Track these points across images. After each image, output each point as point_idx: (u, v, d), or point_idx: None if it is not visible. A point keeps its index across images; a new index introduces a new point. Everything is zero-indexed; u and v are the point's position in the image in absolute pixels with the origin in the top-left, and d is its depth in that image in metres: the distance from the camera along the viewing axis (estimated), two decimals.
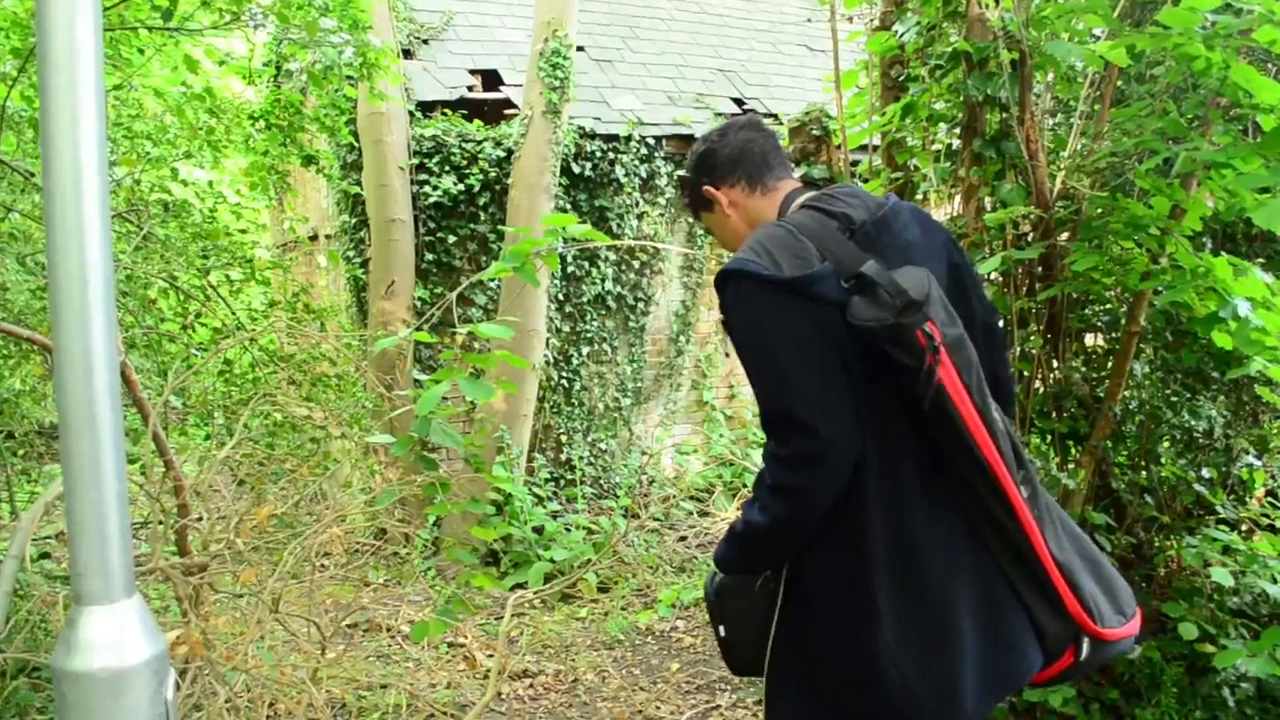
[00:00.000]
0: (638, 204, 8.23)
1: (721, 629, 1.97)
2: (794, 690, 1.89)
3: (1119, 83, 3.44)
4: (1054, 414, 3.37)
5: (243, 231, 4.60)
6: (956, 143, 3.41)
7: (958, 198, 3.41)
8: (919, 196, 3.66)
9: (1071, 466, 3.33)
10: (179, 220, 3.78)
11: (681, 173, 2.23)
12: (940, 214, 3.59)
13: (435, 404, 2.63)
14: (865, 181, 3.86)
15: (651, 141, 8.21)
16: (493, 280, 7.57)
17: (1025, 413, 3.32)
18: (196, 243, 3.75)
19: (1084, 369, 3.43)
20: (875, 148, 3.91)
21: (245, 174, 4.40)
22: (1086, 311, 3.60)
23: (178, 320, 3.88)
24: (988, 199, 3.27)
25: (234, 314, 4.17)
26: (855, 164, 3.95)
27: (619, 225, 8.11)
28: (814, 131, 3.50)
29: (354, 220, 7.63)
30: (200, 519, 3.13)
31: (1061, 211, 3.19)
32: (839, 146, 3.66)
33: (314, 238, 9.30)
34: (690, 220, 8.57)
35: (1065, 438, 3.42)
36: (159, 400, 2.90)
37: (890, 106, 3.51)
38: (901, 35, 3.38)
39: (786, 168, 2.08)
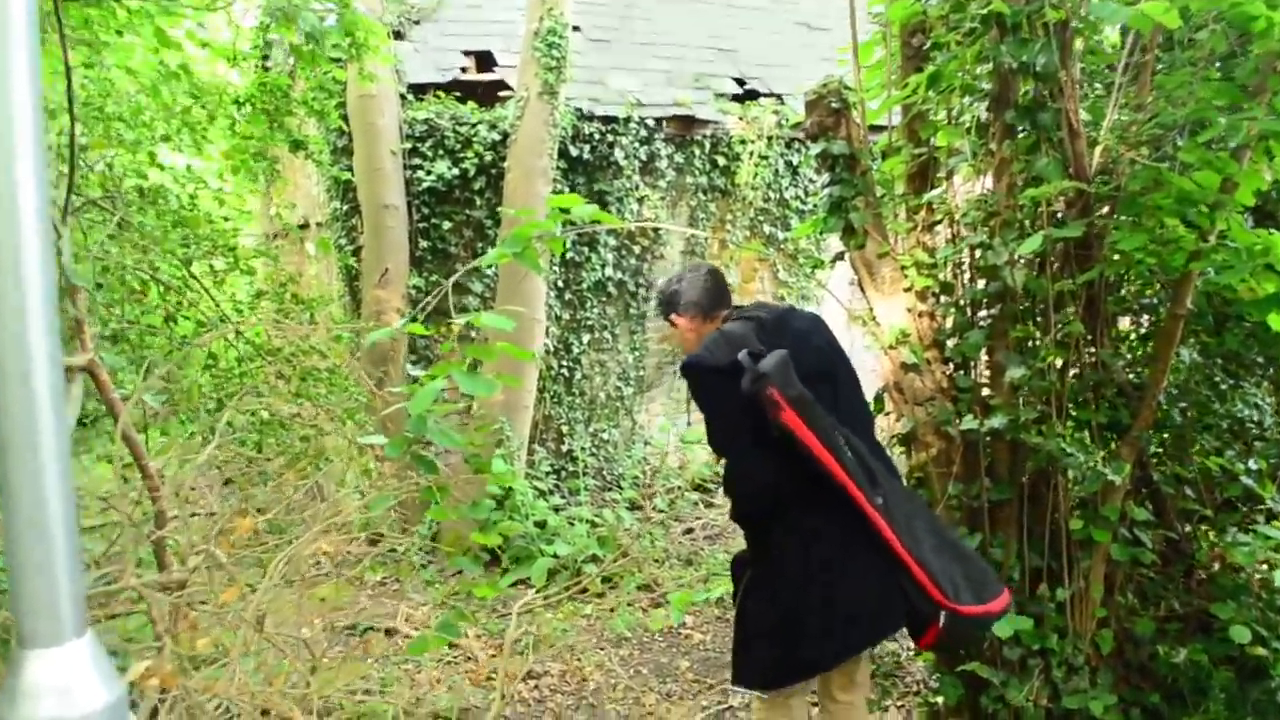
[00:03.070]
0: (638, 187, 8.00)
1: None
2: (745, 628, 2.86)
3: (1157, 50, 3.22)
4: (1092, 403, 3.16)
5: (226, 219, 4.38)
6: (985, 115, 3.19)
7: (987, 175, 3.19)
8: (941, 174, 3.44)
9: (1104, 455, 3.11)
10: (156, 207, 3.55)
11: (659, 294, 3.20)
12: (967, 190, 3.37)
13: (431, 401, 2.41)
14: (885, 157, 3.63)
15: (651, 123, 7.97)
16: (490, 267, 7.36)
17: (1061, 402, 3.11)
18: (175, 231, 3.51)
19: (1126, 355, 3.22)
20: (896, 125, 3.69)
21: (225, 157, 4.15)
22: (1123, 293, 3.40)
23: (159, 313, 3.66)
24: (1019, 175, 3.06)
25: (218, 305, 3.94)
26: (876, 134, 3.73)
27: (619, 209, 7.89)
28: (832, 104, 3.27)
29: (345, 207, 7.39)
30: (177, 520, 2.91)
31: (1101, 187, 2.97)
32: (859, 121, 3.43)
33: (305, 226, 9.06)
34: (693, 203, 8.35)
35: (1104, 428, 3.21)
36: (133, 399, 2.68)
37: (912, 77, 3.28)
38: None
39: (728, 302, 3.05)
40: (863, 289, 3.52)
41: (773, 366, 2.51)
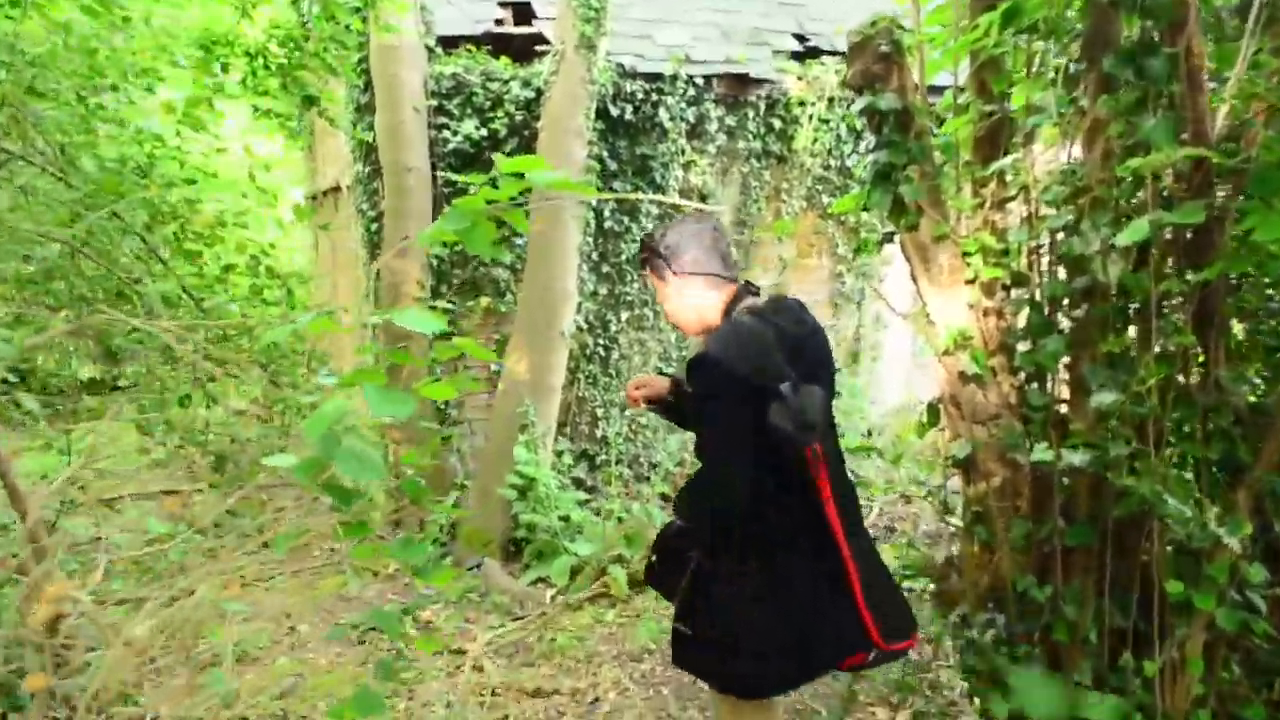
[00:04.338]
0: (684, 151, 7.35)
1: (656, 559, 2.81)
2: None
3: None
4: (1201, 434, 2.49)
5: (190, 182, 3.86)
6: (1076, 62, 2.52)
7: (1076, 139, 2.51)
8: (1017, 139, 2.77)
9: (1218, 511, 2.44)
10: (76, 169, 3.03)
11: (650, 241, 2.69)
12: (1050, 159, 2.70)
13: (332, 422, 1.86)
14: (942, 123, 2.97)
15: (701, 81, 7.30)
16: (522, 237, 6.81)
17: (1161, 432, 2.45)
18: (102, 195, 2.99)
19: (1253, 377, 2.54)
20: (962, 79, 3.01)
21: (166, 108, 3.61)
22: (1244, 293, 2.70)
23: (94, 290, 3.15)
24: (1118, 140, 2.38)
25: (181, 281, 3.43)
26: (935, 97, 3.07)
27: (663, 175, 7.26)
28: (881, 48, 2.62)
29: (368, 169, 6.89)
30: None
31: (1226, 158, 2.29)
32: (910, 70, 2.77)
33: (337, 189, 8.62)
34: (744, 169, 7.69)
35: (1215, 466, 2.54)
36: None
37: (985, 16, 2.62)
38: None
39: (734, 276, 2.69)
40: (914, 279, 2.88)
41: (819, 416, 2.39)
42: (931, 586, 3.55)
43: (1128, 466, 2.39)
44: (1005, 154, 2.73)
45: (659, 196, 2.36)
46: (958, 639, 2.99)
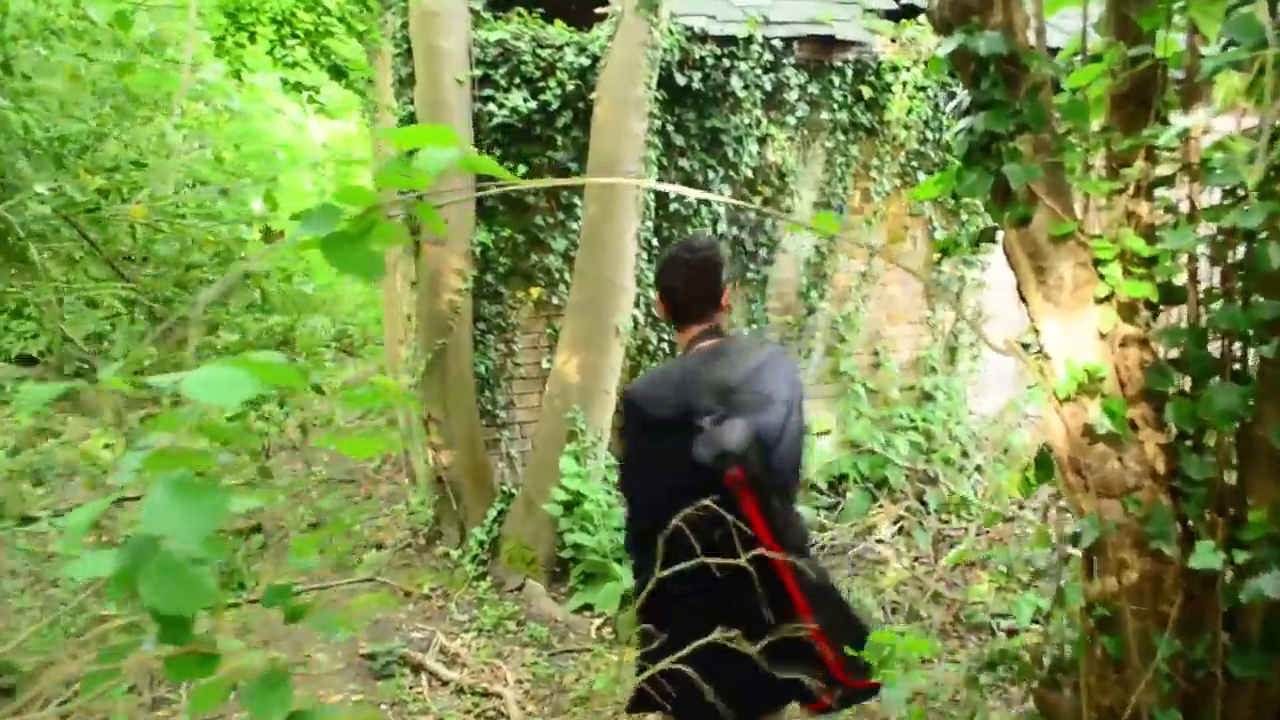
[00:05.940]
0: (760, 124, 6.55)
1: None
2: None
3: None
4: None
5: (140, 165, 3.25)
6: None
7: (1274, 98, 1.70)
8: (1173, 96, 1.96)
9: None
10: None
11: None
12: (1219, 126, 1.87)
13: (81, 538, 1.21)
14: (1069, 74, 2.16)
15: (779, 45, 6.48)
16: (577, 221, 6.13)
17: None
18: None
19: None
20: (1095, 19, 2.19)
21: (70, 74, 3.04)
22: None
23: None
24: None
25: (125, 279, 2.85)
26: (1055, 52, 2.26)
27: (736, 151, 6.48)
28: None
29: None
30: None
31: None
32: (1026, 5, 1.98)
33: None
34: (829, 144, 6.85)
35: None
36: None
37: None
38: None
39: (708, 314, 2.70)
40: (1022, 295, 2.10)
41: (736, 446, 2.43)
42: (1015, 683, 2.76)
43: None
44: (1158, 119, 1.92)
45: (692, 190, 1.62)
46: None
